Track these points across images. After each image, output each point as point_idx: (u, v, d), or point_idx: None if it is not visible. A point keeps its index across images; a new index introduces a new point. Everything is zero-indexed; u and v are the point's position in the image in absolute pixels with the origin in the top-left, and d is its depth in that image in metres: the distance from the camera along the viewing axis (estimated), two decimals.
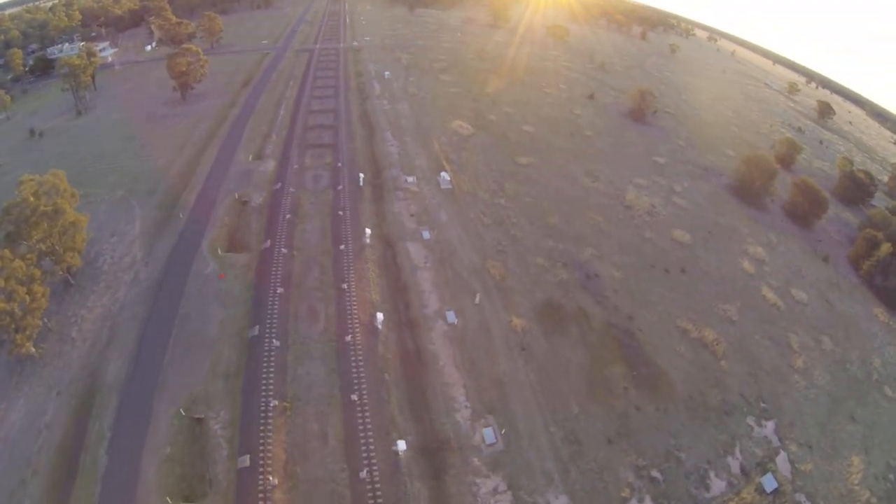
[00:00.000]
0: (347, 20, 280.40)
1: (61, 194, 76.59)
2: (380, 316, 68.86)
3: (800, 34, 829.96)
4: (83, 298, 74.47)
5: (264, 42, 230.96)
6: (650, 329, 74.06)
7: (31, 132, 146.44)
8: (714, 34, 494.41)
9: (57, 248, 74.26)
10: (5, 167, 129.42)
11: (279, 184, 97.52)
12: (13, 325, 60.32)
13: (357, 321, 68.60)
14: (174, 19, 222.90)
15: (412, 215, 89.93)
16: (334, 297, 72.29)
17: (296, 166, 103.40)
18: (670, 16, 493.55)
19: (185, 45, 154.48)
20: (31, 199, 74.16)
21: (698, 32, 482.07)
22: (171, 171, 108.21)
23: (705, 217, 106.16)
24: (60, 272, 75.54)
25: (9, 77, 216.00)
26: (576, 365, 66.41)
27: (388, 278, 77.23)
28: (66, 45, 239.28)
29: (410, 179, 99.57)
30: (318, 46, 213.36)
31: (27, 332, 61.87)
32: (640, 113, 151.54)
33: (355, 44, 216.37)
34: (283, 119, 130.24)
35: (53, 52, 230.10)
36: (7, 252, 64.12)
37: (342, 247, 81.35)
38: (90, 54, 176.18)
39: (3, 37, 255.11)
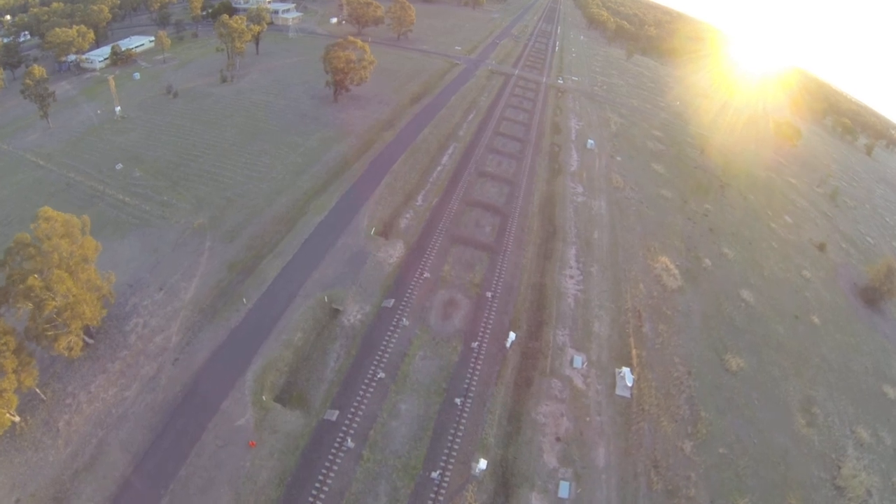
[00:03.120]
0: (557, 47, 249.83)
1: (65, 260, 53.29)
2: None
3: None
4: (92, 373, 58.02)
5: (457, 48, 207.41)
6: None
7: (168, 90, 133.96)
8: None
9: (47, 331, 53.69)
10: (127, 122, 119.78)
11: (392, 300, 66.98)
12: None
13: None
14: None
15: (559, 439, 56.76)
16: None
17: (427, 275, 72.19)
18: (892, 125, 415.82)
19: (350, 38, 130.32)
20: (34, 249, 53.16)
21: None
22: (269, 210, 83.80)
23: None
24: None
25: (191, 16, 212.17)
26: None
27: None
28: None
29: (579, 361, 65.71)
30: (516, 72, 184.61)
31: None
32: (876, 295, 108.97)
33: (560, 81, 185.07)
34: (441, 174, 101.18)
35: (239, 1, 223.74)
36: None
37: (434, 474, 50.59)
38: (259, 18, 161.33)
39: None
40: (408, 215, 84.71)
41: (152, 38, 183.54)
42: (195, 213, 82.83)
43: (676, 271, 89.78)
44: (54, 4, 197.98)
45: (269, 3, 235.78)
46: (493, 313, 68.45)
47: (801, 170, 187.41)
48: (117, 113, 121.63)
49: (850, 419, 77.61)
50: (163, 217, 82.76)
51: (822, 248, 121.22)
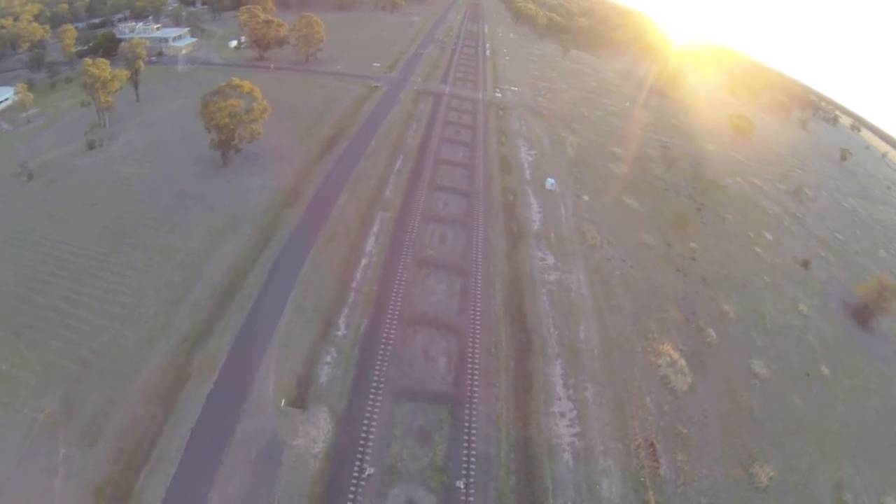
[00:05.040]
0: (488, 51, 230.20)
1: None
2: None
3: None
4: None
5: (376, 65, 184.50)
6: None
7: (21, 169, 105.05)
8: (857, 121, 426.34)
9: None
10: None
11: None
12: None
13: None
14: (262, 15, 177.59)
15: None
16: None
17: (370, 470, 49.74)
18: (811, 92, 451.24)
19: (236, 81, 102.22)
20: None
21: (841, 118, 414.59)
22: (138, 378, 59.31)
23: None
24: None
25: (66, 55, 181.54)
26: None
27: None
28: (140, 24, 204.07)
29: None
30: (447, 90, 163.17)
31: None
32: (866, 314, 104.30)
33: (498, 94, 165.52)
34: (368, 273, 76.36)
35: (124, 31, 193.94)
36: None
37: None
38: (133, 57, 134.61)
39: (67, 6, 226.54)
40: (328, 358, 61.03)
41: (19, 90, 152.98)
42: (42, 392, 57.09)
43: (683, 362, 72.72)
44: None
45: (158, 29, 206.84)
46: None
47: (760, 166, 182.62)
48: None
49: (878, 489, 68.65)
50: (0, 403, 58.04)
51: (806, 265, 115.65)
